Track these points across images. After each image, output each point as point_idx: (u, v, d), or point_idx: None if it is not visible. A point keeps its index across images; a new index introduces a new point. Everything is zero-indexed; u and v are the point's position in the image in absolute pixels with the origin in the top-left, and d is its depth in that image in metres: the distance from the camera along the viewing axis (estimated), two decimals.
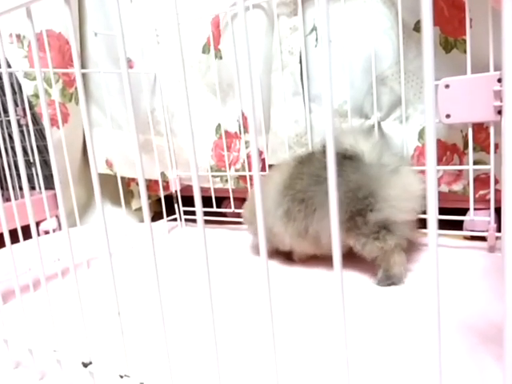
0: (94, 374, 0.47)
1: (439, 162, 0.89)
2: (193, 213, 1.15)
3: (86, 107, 0.41)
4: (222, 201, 1.20)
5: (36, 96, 1.14)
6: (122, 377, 0.44)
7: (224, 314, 0.66)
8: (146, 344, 0.58)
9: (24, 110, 1.13)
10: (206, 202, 1.10)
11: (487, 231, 0.82)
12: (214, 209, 1.15)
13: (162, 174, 1.21)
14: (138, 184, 1.30)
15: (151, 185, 1.30)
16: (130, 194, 1.37)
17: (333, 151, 0.28)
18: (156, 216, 1.25)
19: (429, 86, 0.26)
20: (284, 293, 0.72)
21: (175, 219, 1.21)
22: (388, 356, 0.51)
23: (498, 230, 0.81)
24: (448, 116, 0.78)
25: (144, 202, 0.38)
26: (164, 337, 0.39)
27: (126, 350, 0.43)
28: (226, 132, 1.11)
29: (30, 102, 1.13)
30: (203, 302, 0.36)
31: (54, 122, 1.11)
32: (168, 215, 1.19)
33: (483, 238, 0.85)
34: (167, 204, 1.19)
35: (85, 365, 0.48)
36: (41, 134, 1.26)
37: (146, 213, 0.38)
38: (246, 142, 1.08)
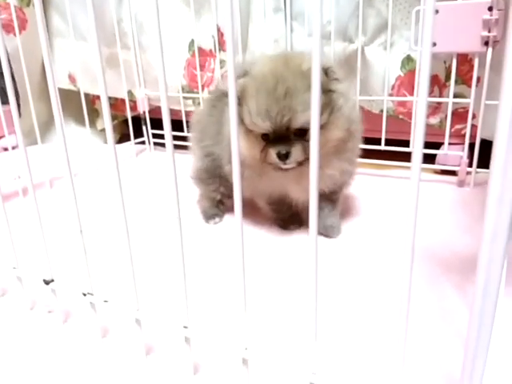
0: (56, 292, 0.47)
1: None
2: (162, 136, 1.11)
3: (41, 11, 0.36)
4: None
5: None
6: (85, 295, 0.43)
7: (190, 237, 0.65)
8: (111, 263, 0.58)
9: None
10: (177, 125, 1.05)
11: (459, 166, 0.83)
12: (185, 133, 1.10)
13: (129, 93, 1.14)
14: None
15: (117, 104, 1.23)
16: (95, 113, 1.29)
17: (317, 80, 0.26)
18: (123, 138, 1.20)
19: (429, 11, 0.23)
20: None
21: (143, 142, 1.17)
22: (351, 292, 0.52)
23: (470, 165, 0.82)
24: (434, 44, 0.75)
25: (107, 121, 0.35)
26: (129, 255, 0.38)
27: (89, 268, 0.42)
28: (200, 49, 1.03)
29: None
30: (169, 225, 0.35)
31: (10, 28, 1.01)
32: (136, 138, 1.14)
33: (453, 173, 0.86)
34: (135, 126, 1.14)
35: (46, 282, 0.46)
36: None
37: (110, 134, 0.35)
38: (222, 62, 1.02)
